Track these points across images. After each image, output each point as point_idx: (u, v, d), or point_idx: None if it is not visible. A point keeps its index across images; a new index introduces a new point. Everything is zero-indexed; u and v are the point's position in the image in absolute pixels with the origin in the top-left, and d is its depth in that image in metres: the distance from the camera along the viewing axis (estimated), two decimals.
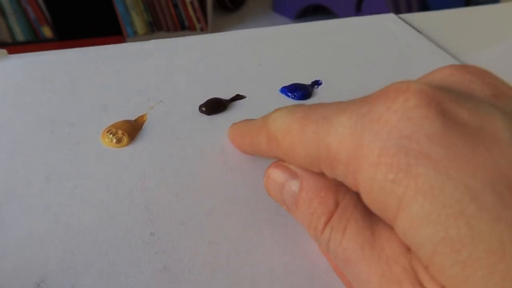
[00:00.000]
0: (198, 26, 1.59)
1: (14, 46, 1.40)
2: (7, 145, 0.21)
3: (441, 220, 0.09)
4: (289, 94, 0.26)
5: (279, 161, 0.15)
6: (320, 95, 0.26)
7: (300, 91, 0.26)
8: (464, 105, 0.11)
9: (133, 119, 0.24)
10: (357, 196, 0.13)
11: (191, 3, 1.54)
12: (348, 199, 0.13)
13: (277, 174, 0.15)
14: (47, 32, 1.43)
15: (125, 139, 0.22)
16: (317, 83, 0.27)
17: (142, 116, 0.24)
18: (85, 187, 0.19)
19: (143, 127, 0.23)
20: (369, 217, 0.13)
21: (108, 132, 0.22)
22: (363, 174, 0.11)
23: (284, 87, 0.26)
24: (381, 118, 0.11)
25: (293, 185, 0.14)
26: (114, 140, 0.22)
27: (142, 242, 0.17)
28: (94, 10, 1.41)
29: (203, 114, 0.24)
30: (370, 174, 0.11)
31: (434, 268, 0.10)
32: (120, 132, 0.22)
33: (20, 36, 1.42)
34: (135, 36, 1.53)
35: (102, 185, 0.19)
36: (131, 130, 0.22)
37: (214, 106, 0.24)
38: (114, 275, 0.16)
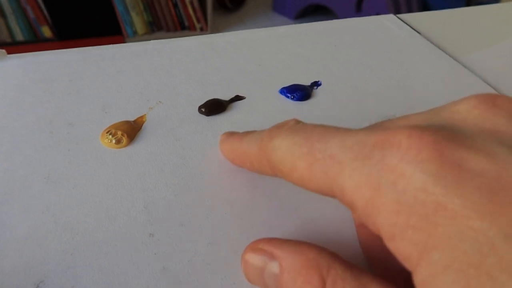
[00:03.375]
0: (198, 26, 1.59)
1: (13, 46, 1.40)
2: (6, 145, 0.21)
3: (462, 269, 0.09)
4: (289, 95, 0.26)
5: (254, 244, 0.15)
6: (319, 96, 0.26)
7: (300, 92, 0.26)
8: (481, 152, 0.10)
9: (133, 119, 0.24)
10: (342, 266, 0.13)
11: (191, 3, 1.53)
12: (334, 274, 0.13)
13: (254, 259, 0.15)
14: (46, 32, 1.43)
15: (124, 140, 0.22)
16: (316, 84, 0.27)
17: (142, 117, 0.24)
18: (85, 187, 0.19)
19: (143, 127, 0.23)
20: None
21: (107, 132, 0.22)
22: (383, 220, 0.11)
23: (284, 88, 0.26)
24: (396, 169, 0.11)
25: (273, 267, 0.14)
26: (114, 141, 0.22)
27: (141, 243, 0.17)
28: (94, 10, 1.41)
29: (203, 115, 0.24)
30: (391, 220, 0.11)
31: None
32: (119, 132, 0.22)
33: (19, 36, 1.41)
34: (135, 36, 1.53)
35: (102, 185, 0.19)
36: (131, 130, 0.22)
37: (214, 107, 0.24)
38: (114, 275, 0.16)
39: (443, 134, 0.11)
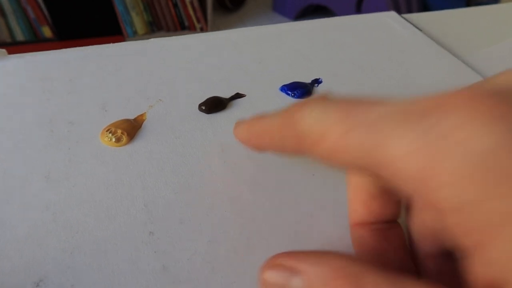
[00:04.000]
0: (198, 26, 1.59)
1: (13, 46, 1.40)
2: (7, 144, 0.21)
3: None
4: (289, 92, 0.26)
5: (271, 260, 0.13)
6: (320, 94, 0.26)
7: (300, 90, 0.26)
8: None
9: (133, 118, 0.23)
10: (374, 273, 0.11)
11: (191, 3, 1.53)
12: (366, 282, 0.11)
13: (274, 277, 0.13)
14: (47, 32, 1.43)
15: (124, 138, 0.22)
16: (317, 81, 0.27)
17: (142, 115, 0.24)
18: (84, 186, 0.19)
19: (143, 126, 0.23)
20: None
21: (107, 131, 0.22)
22: (445, 193, 0.10)
23: (284, 85, 0.26)
24: (451, 134, 0.10)
25: (297, 283, 0.12)
26: (114, 139, 0.22)
27: (141, 242, 0.17)
28: (94, 10, 1.41)
29: (203, 113, 0.24)
30: (456, 192, 0.10)
31: None
32: (119, 131, 0.22)
33: (20, 36, 1.41)
34: (135, 36, 1.53)
35: (101, 184, 0.19)
36: (131, 129, 0.22)
37: (214, 105, 0.24)
38: (113, 274, 0.16)
39: (493, 96, 0.10)
